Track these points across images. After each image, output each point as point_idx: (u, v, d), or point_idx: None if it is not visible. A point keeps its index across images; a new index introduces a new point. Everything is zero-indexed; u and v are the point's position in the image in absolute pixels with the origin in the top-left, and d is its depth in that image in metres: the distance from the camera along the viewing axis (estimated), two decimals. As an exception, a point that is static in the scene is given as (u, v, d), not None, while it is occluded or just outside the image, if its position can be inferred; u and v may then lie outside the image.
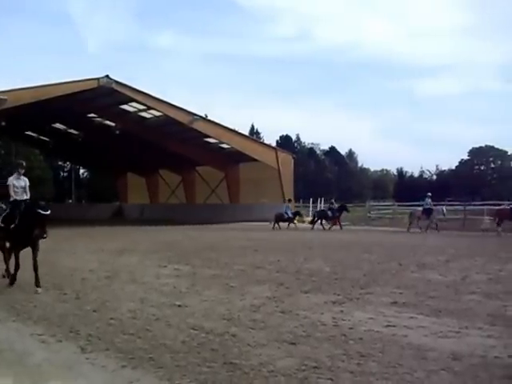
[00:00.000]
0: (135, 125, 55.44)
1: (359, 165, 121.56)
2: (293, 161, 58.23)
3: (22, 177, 13.35)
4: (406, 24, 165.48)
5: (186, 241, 26.84)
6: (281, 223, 41.82)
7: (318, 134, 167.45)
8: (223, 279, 13.92)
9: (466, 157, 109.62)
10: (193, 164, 61.73)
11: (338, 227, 41.00)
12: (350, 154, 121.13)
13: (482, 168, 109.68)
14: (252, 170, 56.14)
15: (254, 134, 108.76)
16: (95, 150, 67.28)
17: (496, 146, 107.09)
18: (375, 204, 62.13)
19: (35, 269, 12.21)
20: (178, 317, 9.51)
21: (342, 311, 10.01)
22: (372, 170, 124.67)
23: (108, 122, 58.35)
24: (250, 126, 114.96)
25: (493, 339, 8.01)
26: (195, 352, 7.32)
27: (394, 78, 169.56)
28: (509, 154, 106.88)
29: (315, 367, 6.66)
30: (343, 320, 9.29)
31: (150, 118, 54.98)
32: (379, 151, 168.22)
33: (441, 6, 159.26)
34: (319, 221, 41.93)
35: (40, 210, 12.05)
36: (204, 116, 55.04)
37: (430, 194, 40.03)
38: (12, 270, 12.81)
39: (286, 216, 42.95)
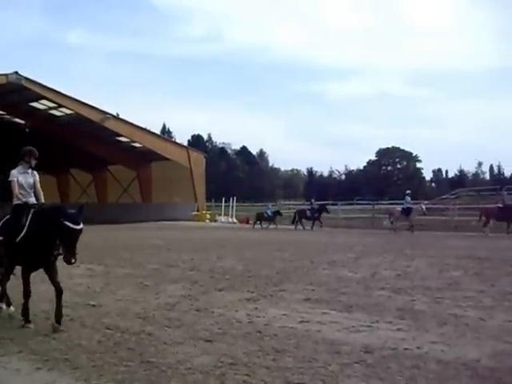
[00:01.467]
0: (46, 123, 53.95)
1: (270, 164, 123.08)
2: (204, 160, 58.28)
3: (31, 170, 9.41)
4: (317, 27, 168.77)
5: (99, 240, 26.35)
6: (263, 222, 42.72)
7: (230, 134, 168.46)
8: (137, 278, 13.80)
9: (373, 157, 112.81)
10: (104, 163, 60.83)
11: (319, 227, 40.03)
12: (261, 153, 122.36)
13: (389, 168, 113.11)
14: (164, 169, 55.84)
15: (166, 133, 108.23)
16: (3, 148, 65.03)
17: (402, 148, 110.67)
18: (286, 203, 62.93)
19: (59, 295, 8.65)
20: (93, 317, 9.37)
21: (256, 308, 10.10)
22: (283, 169, 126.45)
23: (17, 120, 56.58)
24: (162, 125, 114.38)
25: (402, 332, 8.30)
26: (112, 352, 7.24)
27: (305, 80, 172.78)
28: (414, 155, 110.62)
29: (232, 364, 6.72)
30: (258, 317, 9.39)
31: (61, 116, 53.68)
32: (290, 151, 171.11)
33: (349, 10, 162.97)
34: (299, 220, 41.37)
35: (69, 223, 8.05)
36: (116, 115, 54.26)
37: (409, 191, 39.22)
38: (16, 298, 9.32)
39: (267, 215, 43.34)
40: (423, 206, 37.93)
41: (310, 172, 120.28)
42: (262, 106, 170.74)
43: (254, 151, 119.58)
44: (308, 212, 41.40)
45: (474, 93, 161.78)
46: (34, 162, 9.45)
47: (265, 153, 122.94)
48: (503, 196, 33.94)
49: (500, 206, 32.64)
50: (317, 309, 10.08)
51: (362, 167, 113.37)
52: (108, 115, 50.70)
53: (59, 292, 8.60)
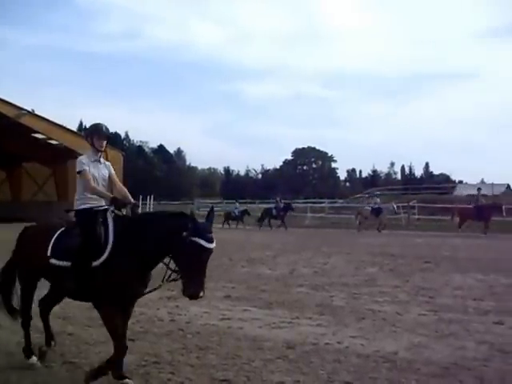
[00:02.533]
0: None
1: (187, 163, 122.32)
2: (122, 158, 57.42)
3: (103, 160, 6.78)
4: (235, 28, 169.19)
5: (12, 237, 25.56)
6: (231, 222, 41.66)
7: (147, 133, 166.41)
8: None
9: (289, 157, 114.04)
10: (19, 160, 58.97)
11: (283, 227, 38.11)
12: (179, 152, 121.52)
13: (305, 168, 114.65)
14: (81, 167, 54.58)
15: (83, 130, 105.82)
16: None
17: (317, 148, 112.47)
18: (203, 202, 62.85)
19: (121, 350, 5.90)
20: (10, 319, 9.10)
21: (177, 306, 10.07)
22: (200, 168, 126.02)
23: None
24: (79, 122, 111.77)
25: (322, 327, 8.49)
26: (31, 353, 7.07)
27: (223, 80, 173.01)
28: (329, 155, 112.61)
29: (155, 362, 6.70)
30: (179, 315, 9.38)
31: (-27, 111, 51.68)
32: (207, 150, 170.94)
33: (266, 12, 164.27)
34: (268, 220, 40.02)
35: (200, 240, 5.52)
36: (31, 111, 52.69)
37: (378, 192, 39.12)
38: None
39: (234, 215, 42.16)
40: (394, 206, 37.30)
41: (227, 171, 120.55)
42: (179, 105, 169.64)
43: (172, 150, 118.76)
44: (274, 211, 40.23)
45: (387, 95, 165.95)
46: (102, 148, 6.67)
47: (182, 151, 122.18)
48: (477, 196, 32.70)
49: (474, 205, 31.65)
50: (238, 306, 10.17)
51: (278, 167, 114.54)
52: (23, 111, 49.12)
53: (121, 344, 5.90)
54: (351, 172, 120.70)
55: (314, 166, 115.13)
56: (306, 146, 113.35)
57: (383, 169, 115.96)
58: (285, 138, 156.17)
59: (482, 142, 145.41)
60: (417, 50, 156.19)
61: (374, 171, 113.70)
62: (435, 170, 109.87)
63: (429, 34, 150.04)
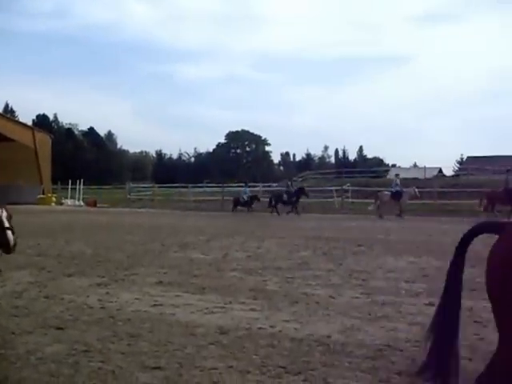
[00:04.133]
0: None
1: (118, 146, 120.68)
2: (50, 141, 56.19)
3: None
4: (168, 9, 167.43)
5: None
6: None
7: (77, 115, 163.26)
8: (-22, 265, 13.01)
9: (223, 140, 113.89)
10: None
11: (295, 213, 35.88)
12: (110, 135, 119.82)
13: (238, 151, 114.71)
14: (7, 150, 53.08)
15: (9, 112, 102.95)
16: None
17: (251, 131, 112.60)
18: (135, 186, 62.24)
19: None
20: None
21: (107, 293, 9.84)
22: (131, 151, 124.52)
23: None
24: (4, 103, 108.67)
25: (256, 312, 8.42)
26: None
27: (154, 62, 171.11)
28: (263, 138, 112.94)
29: (85, 351, 6.48)
30: (110, 302, 9.15)
31: None
32: (139, 133, 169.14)
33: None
34: (275, 205, 37.11)
35: None
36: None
37: (398, 173, 36.99)
38: None
39: (243, 200, 39.16)
40: (416, 190, 34.68)
41: (159, 154, 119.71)
42: (110, 86, 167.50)
43: (102, 133, 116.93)
44: (285, 196, 37.42)
45: (322, 79, 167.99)
46: None
47: (113, 134, 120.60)
48: (507, 179, 30.91)
49: (504, 189, 30.15)
50: (170, 292, 10.01)
51: (211, 150, 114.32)
52: None
53: None
54: (285, 155, 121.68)
55: (247, 149, 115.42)
56: (239, 129, 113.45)
57: (317, 152, 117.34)
58: (218, 120, 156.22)
59: (414, 126, 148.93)
60: (352, 33, 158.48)
61: (308, 155, 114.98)
62: (369, 153, 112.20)
63: (364, 17, 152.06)
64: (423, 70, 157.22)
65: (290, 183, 39.27)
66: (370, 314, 8.35)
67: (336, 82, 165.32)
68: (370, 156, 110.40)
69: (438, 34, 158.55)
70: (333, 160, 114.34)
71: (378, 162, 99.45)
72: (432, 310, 8.62)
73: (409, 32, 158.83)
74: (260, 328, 7.49)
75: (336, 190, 43.10)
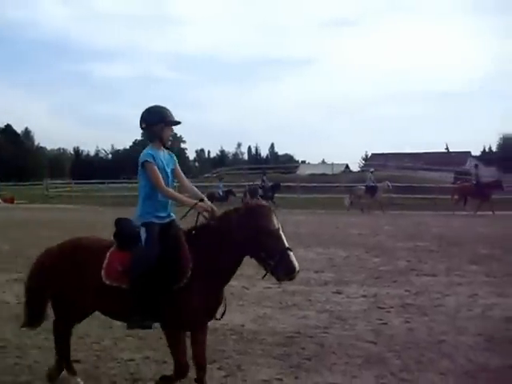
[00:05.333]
0: None
1: (36, 143, 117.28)
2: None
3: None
4: (85, 7, 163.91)
5: None
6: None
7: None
8: None
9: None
10: None
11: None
12: (27, 132, 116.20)
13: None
14: None
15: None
16: None
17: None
18: (52, 182, 60.94)
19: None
20: None
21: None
22: (49, 148, 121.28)
23: None
24: None
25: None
26: None
27: (72, 60, 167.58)
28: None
29: (2, 347, 6.58)
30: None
31: None
32: (56, 130, 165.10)
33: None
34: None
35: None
36: None
37: (372, 169, 36.54)
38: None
39: (218, 195, 36.87)
40: (389, 184, 33.96)
41: (77, 151, 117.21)
42: (27, 84, 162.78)
43: (19, 130, 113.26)
44: (260, 191, 35.08)
45: (235, 78, 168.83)
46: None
47: (30, 132, 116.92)
48: (476, 173, 31.58)
49: (475, 183, 30.63)
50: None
51: (128, 147, 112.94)
52: None
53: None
54: (200, 152, 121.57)
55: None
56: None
57: (231, 149, 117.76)
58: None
59: (323, 125, 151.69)
60: (264, 35, 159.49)
61: (222, 151, 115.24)
62: (280, 150, 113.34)
63: (275, 20, 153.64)
64: (330, 72, 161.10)
65: (264, 178, 37.37)
66: (281, 303, 8.75)
67: (248, 81, 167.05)
68: (281, 153, 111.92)
69: (343, 38, 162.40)
70: (246, 157, 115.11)
71: (289, 158, 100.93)
72: (339, 298, 9.18)
73: (317, 35, 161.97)
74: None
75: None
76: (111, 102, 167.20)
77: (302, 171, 63.78)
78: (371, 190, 33.06)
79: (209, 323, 5.40)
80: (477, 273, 11.35)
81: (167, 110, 5.49)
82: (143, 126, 5.45)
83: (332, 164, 59.42)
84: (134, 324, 5.20)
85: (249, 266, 11.60)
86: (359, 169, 69.81)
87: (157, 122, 5.39)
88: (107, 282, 5.07)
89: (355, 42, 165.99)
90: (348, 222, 24.11)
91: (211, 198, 35.79)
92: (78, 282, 5.21)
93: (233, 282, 10.15)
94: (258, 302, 8.78)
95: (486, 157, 73.47)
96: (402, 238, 17.42)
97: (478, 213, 28.40)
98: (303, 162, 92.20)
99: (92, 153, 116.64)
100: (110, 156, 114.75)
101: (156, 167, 5.26)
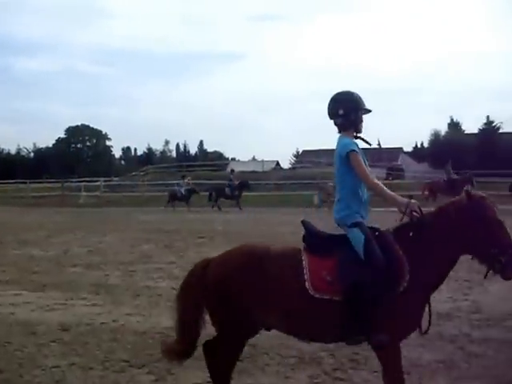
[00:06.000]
0: None
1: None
2: None
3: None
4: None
5: None
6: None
7: None
8: None
9: (63, 135, 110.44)
10: None
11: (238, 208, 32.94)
12: None
13: (79, 146, 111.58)
14: None
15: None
16: None
17: (92, 126, 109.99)
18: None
19: None
20: None
21: None
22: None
23: None
24: None
25: (98, 307, 8.40)
26: None
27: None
28: (103, 133, 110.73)
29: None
30: None
31: None
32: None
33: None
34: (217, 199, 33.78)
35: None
36: None
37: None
38: None
39: (180, 194, 35.30)
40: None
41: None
42: None
43: None
44: (227, 190, 34.31)
45: (162, 74, 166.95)
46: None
47: None
48: (448, 169, 31.75)
49: (446, 179, 30.77)
50: (8, 290, 9.71)
51: (51, 145, 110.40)
52: None
53: None
54: (126, 150, 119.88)
55: (88, 144, 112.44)
56: (79, 124, 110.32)
57: (158, 147, 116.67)
58: (58, 115, 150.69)
59: (253, 121, 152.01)
60: (193, 30, 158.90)
61: (150, 149, 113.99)
62: (209, 147, 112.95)
63: (204, 14, 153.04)
64: (260, 67, 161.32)
65: (231, 176, 36.13)
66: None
67: (177, 77, 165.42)
68: (210, 150, 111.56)
69: (273, 34, 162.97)
70: (174, 154, 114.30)
71: (218, 155, 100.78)
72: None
73: (247, 30, 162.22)
74: (102, 323, 7.49)
75: (177, 184, 43.10)
76: (33, 97, 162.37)
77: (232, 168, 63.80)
78: None
79: (138, 326, 5.18)
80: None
81: (361, 97, 4.92)
82: (341, 112, 4.81)
83: (262, 161, 59.63)
84: (353, 340, 4.60)
85: (176, 267, 11.54)
86: (290, 166, 70.35)
87: (355, 109, 4.83)
88: (316, 296, 4.39)
89: (285, 38, 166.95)
90: (278, 220, 24.13)
91: (172, 197, 35.60)
92: (267, 296, 4.49)
93: (161, 283, 10.10)
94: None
95: (418, 153, 75.01)
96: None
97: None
98: (233, 159, 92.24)
99: (13, 151, 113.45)
100: (32, 155, 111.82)
101: (360, 157, 4.67)
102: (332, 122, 4.90)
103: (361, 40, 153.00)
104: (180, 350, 4.93)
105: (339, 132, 4.87)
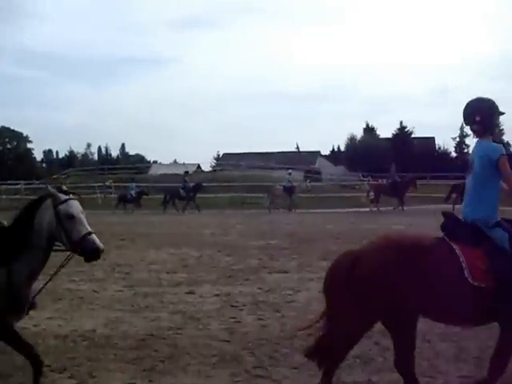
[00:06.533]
0: None
1: None
2: None
3: None
4: None
5: None
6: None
7: None
8: None
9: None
10: None
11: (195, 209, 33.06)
12: None
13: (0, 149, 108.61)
14: None
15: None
16: None
17: (12, 128, 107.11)
18: None
19: None
20: None
21: None
22: None
23: None
24: None
25: (17, 312, 8.22)
26: None
27: None
28: (24, 135, 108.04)
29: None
30: None
31: None
32: None
33: None
34: (172, 202, 33.83)
35: None
36: None
37: (290, 170, 35.94)
38: None
39: (130, 196, 34.82)
40: (308, 183, 36.27)
41: None
42: None
43: None
44: (182, 191, 34.08)
45: (85, 78, 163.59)
46: None
47: None
48: (392, 171, 32.98)
49: (390, 181, 32.10)
50: None
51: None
52: None
53: None
54: (48, 153, 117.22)
55: (8, 146, 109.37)
56: (0, 126, 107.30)
57: (80, 150, 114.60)
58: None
59: (175, 125, 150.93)
60: (118, 34, 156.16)
61: (71, 152, 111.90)
62: (131, 150, 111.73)
63: (130, 18, 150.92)
64: (183, 71, 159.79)
65: (186, 178, 35.85)
66: (133, 306, 8.59)
67: (100, 80, 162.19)
68: (132, 153, 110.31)
69: (198, 37, 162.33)
70: (96, 157, 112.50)
71: (140, 158, 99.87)
72: (192, 298, 9.17)
73: (172, 34, 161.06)
74: (23, 328, 7.32)
75: (99, 187, 42.62)
76: None
77: (154, 171, 63.33)
78: (289, 190, 33.48)
79: (60, 330, 5.15)
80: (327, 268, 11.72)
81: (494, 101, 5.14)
82: (477, 119, 5.02)
83: (184, 164, 59.49)
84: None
85: (98, 269, 11.44)
86: (211, 168, 70.37)
87: (491, 115, 5.06)
88: (475, 284, 4.63)
89: (210, 42, 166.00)
90: (200, 222, 24.19)
91: (122, 199, 35.13)
92: (425, 286, 4.64)
93: (82, 286, 10.01)
94: (109, 306, 8.56)
95: (335, 156, 76.35)
96: (254, 236, 17.69)
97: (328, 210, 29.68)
98: (155, 162, 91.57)
99: None
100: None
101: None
102: (468, 127, 5.18)
103: (281, 46, 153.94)
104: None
105: (476, 137, 5.10)
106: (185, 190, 34.01)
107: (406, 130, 74.38)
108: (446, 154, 74.01)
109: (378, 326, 6.40)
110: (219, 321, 7.80)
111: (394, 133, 71.96)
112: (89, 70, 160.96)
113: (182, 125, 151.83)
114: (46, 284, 5.41)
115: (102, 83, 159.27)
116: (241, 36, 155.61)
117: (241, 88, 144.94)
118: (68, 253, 5.31)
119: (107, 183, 42.67)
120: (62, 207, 5.01)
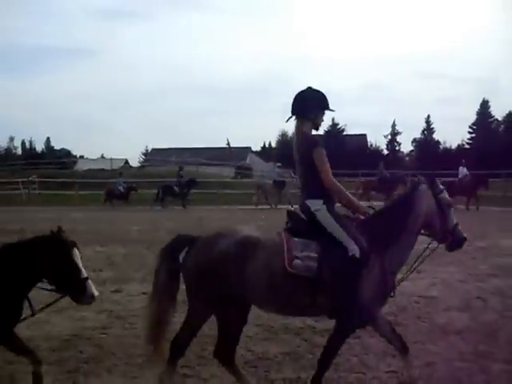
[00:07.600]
0: None
1: None
2: None
3: None
4: None
5: None
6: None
7: None
8: None
9: None
10: None
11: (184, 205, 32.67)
12: None
13: None
14: None
15: None
16: None
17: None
18: None
19: None
20: None
21: None
22: None
23: None
24: None
25: None
26: None
27: None
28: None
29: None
30: None
31: None
32: None
33: None
34: (163, 198, 32.71)
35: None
36: None
37: (279, 164, 35.39)
38: None
39: (118, 192, 33.50)
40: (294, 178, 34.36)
41: None
42: None
43: None
44: (176, 188, 33.14)
45: (8, 69, 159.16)
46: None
47: None
48: (381, 168, 33.06)
49: (378, 178, 32.23)
50: None
51: None
52: None
53: None
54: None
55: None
56: None
57: (2, 144, 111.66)
58: None
59: (102, 119, 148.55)
60: (44, 23, 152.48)
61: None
62: (56, 145, 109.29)
63: (55, 6, 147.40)
64: (111, 64, 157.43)
65: (181, 173, 34.75)
66: (56, 306, 8.29)
67: (23, 72, 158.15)
68: (57, 147, 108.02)
69: (127, 29, 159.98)
70: (19, 151, 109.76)
71: (66, 153, 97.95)
72: (119, 297, 8.99)
73: (99, 26, 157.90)
74: None
75: (22, 182, 41.55)
76: None
77: (80, 166, 62.17)
78: (279, 185, 33.05)
79: None
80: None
81: None
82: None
83: (111, 159, 58.62)
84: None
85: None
86: (139, 164, 69.66)
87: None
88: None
89: (138, 34, 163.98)
90: (125, 218, 23.88)
91: (110, 194, 34.20)
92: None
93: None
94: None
95: (266, 152, 76.70)
96: (183, 232, 17.48)
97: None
98: (81, 156, 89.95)
99: None
100: None
101: None
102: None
103: (212, 40, 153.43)
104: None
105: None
106: (179, 185, 33.37)
107: (338, 127, 75.49)
108: (377, 151, 75.50)
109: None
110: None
111: (326, 129, 72.86)
112: (11, 61, 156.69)
113: (109, 118, 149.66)
114: None
115: (27, 75, 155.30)
116: (166, 28, 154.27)
117: (169, 81, 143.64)
118: None
119: (31, 178, 41.61)
120: None
